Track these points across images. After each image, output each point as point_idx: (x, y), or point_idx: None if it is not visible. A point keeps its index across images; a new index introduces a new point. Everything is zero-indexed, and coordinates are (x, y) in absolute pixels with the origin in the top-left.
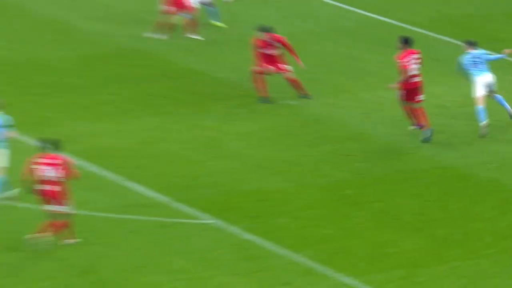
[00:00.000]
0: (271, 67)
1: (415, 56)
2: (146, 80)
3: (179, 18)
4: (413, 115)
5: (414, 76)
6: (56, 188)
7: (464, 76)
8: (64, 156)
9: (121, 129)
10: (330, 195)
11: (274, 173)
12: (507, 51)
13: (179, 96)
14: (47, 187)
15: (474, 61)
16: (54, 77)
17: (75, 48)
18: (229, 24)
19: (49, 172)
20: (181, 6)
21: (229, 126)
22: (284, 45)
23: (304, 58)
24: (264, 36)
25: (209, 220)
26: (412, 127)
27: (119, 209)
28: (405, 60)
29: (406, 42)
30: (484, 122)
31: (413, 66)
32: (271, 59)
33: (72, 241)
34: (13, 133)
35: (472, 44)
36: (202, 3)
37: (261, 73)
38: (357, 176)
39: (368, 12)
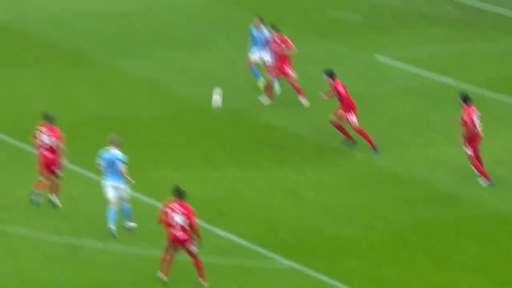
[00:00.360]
0: (343, 115)
1: (477, 112)
2: (230, 135)
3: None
4: (481, 168)
5: (478, 131)
6: (182, 234)
7: None
8: (190, 206)
9: (207, 179)
10: (395, 239)
11: (344, 218)
12: None
13: (260, 150)
14: (175, 231)
15: None
16: (149, 131)
17: (167, 106)
18: (305, 84)
19: (178, 218)
20: (282, 72)
21: (304, 176)
22: (339, 93)
23: (373, 115)
24: (327, 80)
25: (286, 262)
26: (482, 182)
27: (203, 252)
28: (470, 116)
29: (466, 99)
30: None
31: (477, 122)
32: (340, 105)
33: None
34: (125, 170)
35: None
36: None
37: (336, 121)
38: (420, 221)
39: (432, 72)
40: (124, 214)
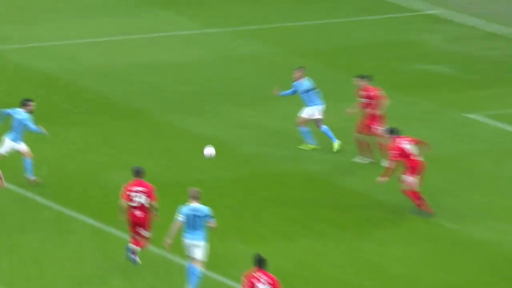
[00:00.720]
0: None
1: None
2: (304, 201)
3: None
4: None
5: None
6: None
7: None
8: (274, 276)
9: (278, 251)
10: None
11: None
12: None
13: (338, 218)
14: None
15: None
16: (212, 196)
17: (232, 168)
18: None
19: (262, 286)
20: (370, 131)
21: (387, 248)
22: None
23: (463, 177)
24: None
25: None
26: None
27: None
28: None
29: None
30: None
31: None
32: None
33: None
34: (214, 224)
35: None
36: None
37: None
38: None
39: None
40: (191, 278)
